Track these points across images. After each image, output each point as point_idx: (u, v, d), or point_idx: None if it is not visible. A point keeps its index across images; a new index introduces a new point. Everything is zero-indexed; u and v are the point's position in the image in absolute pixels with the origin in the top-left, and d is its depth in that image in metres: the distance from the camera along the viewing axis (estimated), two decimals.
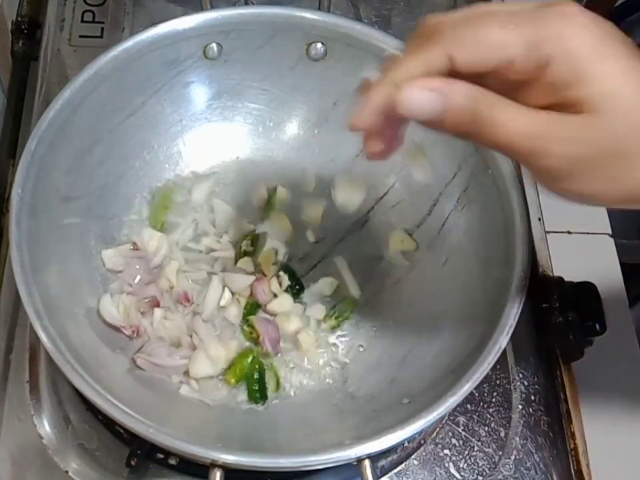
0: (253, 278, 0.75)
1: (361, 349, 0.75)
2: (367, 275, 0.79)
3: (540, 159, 0.44)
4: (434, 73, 0.45)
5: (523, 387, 0.79)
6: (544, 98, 0.45)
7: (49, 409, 0.73)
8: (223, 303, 0.74)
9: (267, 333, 0.73)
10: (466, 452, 0.75)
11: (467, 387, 0.60)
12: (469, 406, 0.77)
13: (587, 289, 0.80)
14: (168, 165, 0.81)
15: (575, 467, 0.75)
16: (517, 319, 0.63)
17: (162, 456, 0.69)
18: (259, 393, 0.70)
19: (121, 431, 0.70)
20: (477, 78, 0.45)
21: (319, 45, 0.78)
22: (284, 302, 0.75)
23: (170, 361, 0.70)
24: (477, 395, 0.77)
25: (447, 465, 0.74)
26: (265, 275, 0.76)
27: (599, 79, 0.43)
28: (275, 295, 0.76)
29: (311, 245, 0.81)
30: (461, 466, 0.74)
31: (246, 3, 0.95)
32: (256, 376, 0.71)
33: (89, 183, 0.74)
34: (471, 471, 0.74)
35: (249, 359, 0.72)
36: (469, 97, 0.44)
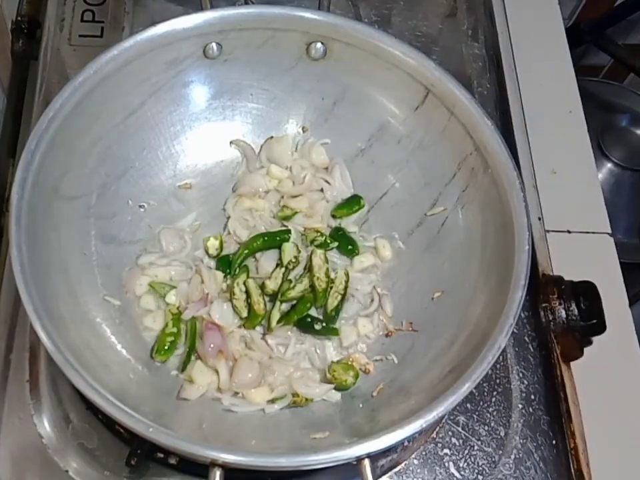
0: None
1: (361, 349, 0.75)
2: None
3: None
4: None
5: (522, 387, 0.79)
6: None
7: (49, 408, 0.73)
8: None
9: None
10: (466, 451, 0.75)
11: (466, 387, 0.60)
12: (468, 405, 0.77)
13: (586, 288, 0.80)
14: (168, 164, 0.81)
15: (575, 466, 0.75)
16: (516, 319, 0.63)
17: (162, 455, 0.70)
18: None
19: (121, 430, 0.70)
20: None
21: (319, 45, 0.78)
22: None
23: None
24: (476, 394, 0.77)
25: (446, 464, 0.74)
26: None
27: None
28: None
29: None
30: (461, 465, 0.74)
31: (246, 3, 0.95)
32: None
33: (88, 183, 0.74)
34: (471, 470, 0.74)
35: None
36: None
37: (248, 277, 0.77)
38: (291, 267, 0.78)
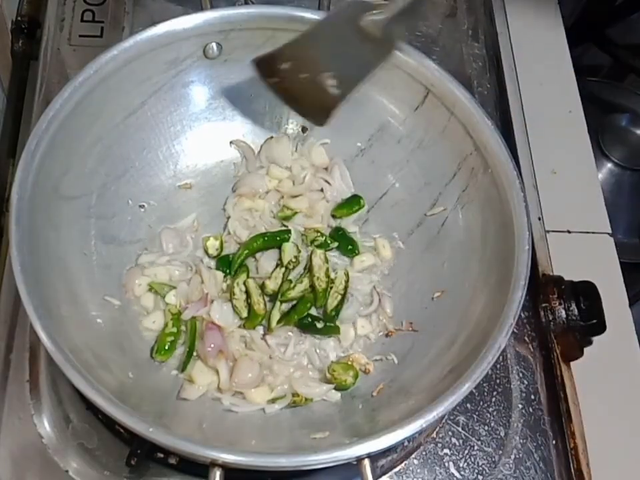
0: None
1: (361, 349, 0.75)
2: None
3: None
4: None
5: (522, 387, 0.79)
6: None
7: (49, 408, 0.73)
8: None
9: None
10: (466, 451, 0.75)
11: (466, 387, 0.60)
12: (468, 405, 0.77)
13: (586, 288, 0.80)
14: (168, 164, 0.81)
15: (575, 466, 0.75)
16: (516, 319, 0.63)
17: (162, 455, 0.69)
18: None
19: (121, 430, 0.70)
20: None
21: None
22: None
23: None
24: (476, 394, 0.77)
25: (446, 464, 0.74)
26: None
27: None
28: None
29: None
30: (461, 465, 0.74)
31: (246, 3, 0.95)
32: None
33: (88, 183, 0.74)
34: (471, 470, 0.74)
35: None
36: None
37: (248, 276, 0.77)
38: (291, 266, 0.78)
